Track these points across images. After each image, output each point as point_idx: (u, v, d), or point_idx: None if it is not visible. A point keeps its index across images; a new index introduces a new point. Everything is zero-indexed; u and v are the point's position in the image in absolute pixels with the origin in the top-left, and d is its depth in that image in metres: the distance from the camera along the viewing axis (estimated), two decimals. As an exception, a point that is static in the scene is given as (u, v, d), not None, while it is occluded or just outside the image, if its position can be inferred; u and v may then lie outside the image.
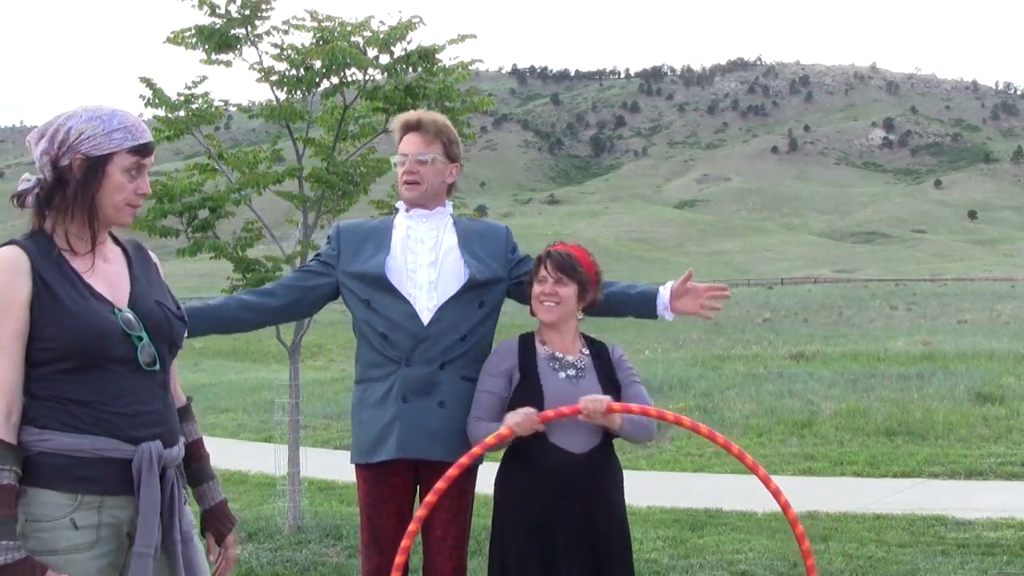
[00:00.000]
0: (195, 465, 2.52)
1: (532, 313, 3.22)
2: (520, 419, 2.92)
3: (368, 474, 3.20)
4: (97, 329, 2.19)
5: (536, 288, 3.15)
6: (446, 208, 3.36)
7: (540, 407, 3.01)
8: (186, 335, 2.91)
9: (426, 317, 3.15)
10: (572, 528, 3.02)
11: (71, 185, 2.23)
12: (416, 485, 3.25)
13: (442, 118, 3.38)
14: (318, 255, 3.37)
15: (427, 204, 3.30)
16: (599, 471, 3.09)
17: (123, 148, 2.25)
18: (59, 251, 2.24)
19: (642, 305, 3.30)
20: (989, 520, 6.73)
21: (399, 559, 2.82)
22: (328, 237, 3.40)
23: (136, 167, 2.28)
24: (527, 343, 3.18)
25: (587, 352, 3.19)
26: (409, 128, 3.30)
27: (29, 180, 2.28)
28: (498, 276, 3.30)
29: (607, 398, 2.98)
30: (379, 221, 3.40)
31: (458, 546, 3.23)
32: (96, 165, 2.23)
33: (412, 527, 2.85)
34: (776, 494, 2.95)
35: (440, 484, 2.87)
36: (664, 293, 3.27)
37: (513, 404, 3.06)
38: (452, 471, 2.89)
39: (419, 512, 2.88)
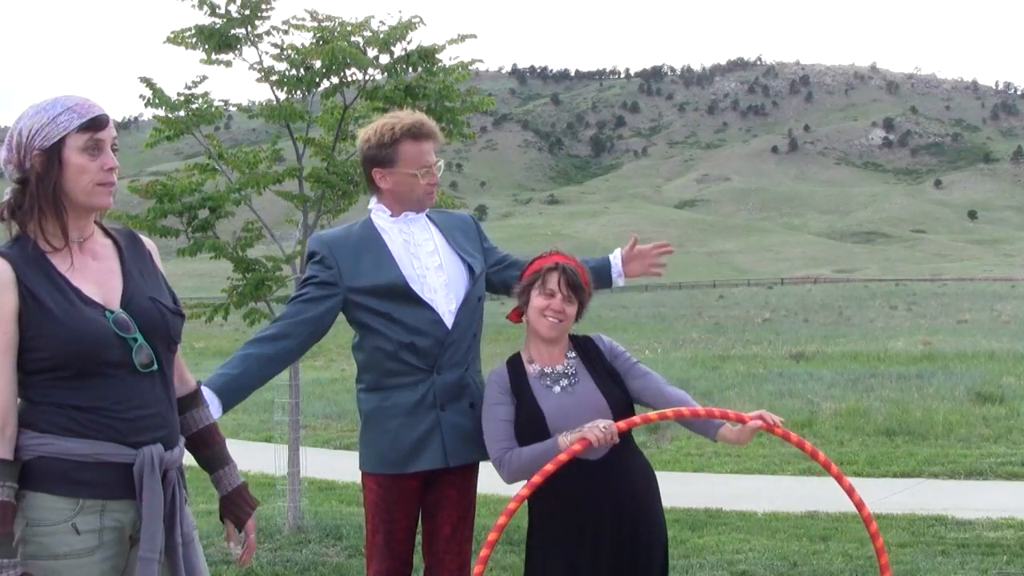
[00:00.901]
0: (210, 451, 2.48)
1: (514, 318, 3.16)
2: (601, 434, 2.82)
3: (384, 480, 3.16)
4: (89, 336, 2.15)
5: (541, 301, 3.05)
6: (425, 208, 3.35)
7: (543, 427, 2.97)
8: (221, 412, 2.86)
9: (449, 321, 3.13)
10: (596, 533, 2.96)
11: (39, 183, 2.17)
12: (423, 487, 3.23)
13: None
14: (311, 279, 3.19)
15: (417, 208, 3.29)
16: (622, 474, 3.01)
17: (71, 129, 2.17)
18: (43, 255, 2.19)
19: (598, 278, 3.41)
20: (989, 520, 6.72)
21: (485, 552, 2.73)
22: (313, 255, 3.21)
23: (93, 144, 2.19)
24: (516, 365, 3.12)
25: (574, 355, 3.13)
26: (427, 136, 3.21)
27: (8, 192, 2.25)
28: (482, 267, 3.32)
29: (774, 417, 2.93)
30: (360, 228, 3.25)
31: (466, 543, 3.24)
32: (51, 155, 2.17)
33: (485, 552, 2.73)
34: (860, 506, 2.95)
35: (524, 491, 2.80)
36: (616, 262, 3.47)
37: (516, 429, 3.02)
38: (537, 478, 2.80)
39: (491, 536, 2.76)
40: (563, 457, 2.81)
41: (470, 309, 3.20)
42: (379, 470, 3.16)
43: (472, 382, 3.19)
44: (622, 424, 2.87)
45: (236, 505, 2.49)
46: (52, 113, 2.18)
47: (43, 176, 2.17)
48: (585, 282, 3.13)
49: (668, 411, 2.90)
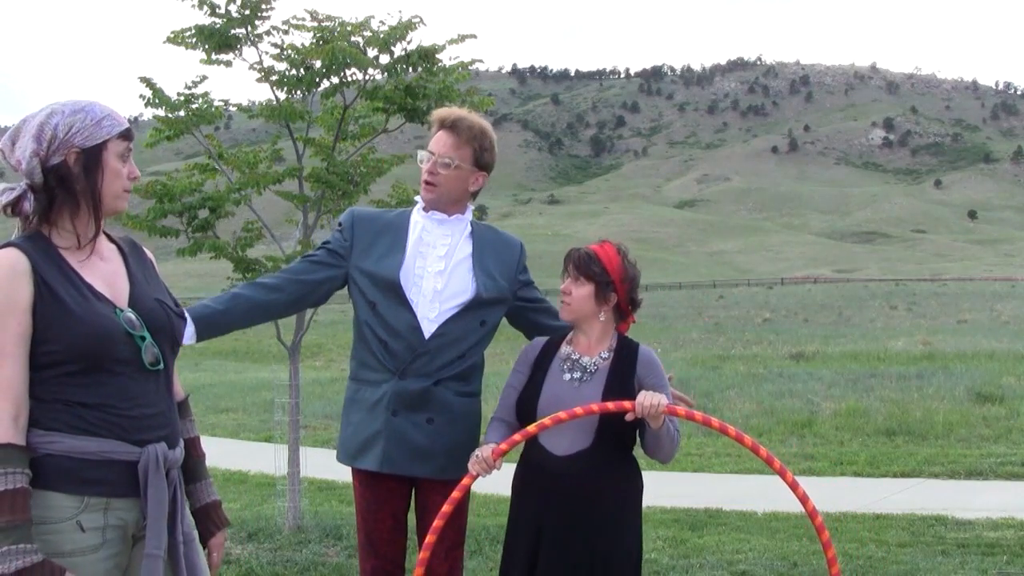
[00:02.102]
0: (188, 463, 2.48)
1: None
2: (473, 461, 2.84)
3: (364, 477, 3.16)
4: (101, 330, 2.18)
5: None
6: (465, 215, 3.21)
7: (534, 406, 2.98)
8: (194, 340, 2.86)
9: (427, 329, 3.05)
10: (556, 531, 2.95)
11: (75, 180, 2.21)
12: (411, 489, 3.21)
13: (481, 123, 3.17)
14: (327, 243, 3.19)
15: (445, 208, 3.16)
16: (583, 477, 2.93)
17: (113, 135, 2.26)
18: (58, 251, 2.22)
19: None
20: (989, 520, 6.73)
21: (418, 571, 2.77)
22: (339, 223, 3.22)
23: (127, 152, 2.30)
24: (553, 343, 3.11)
25: (606, 356, 3.04)
26: (443, 125, 3.13)
27: (15, 188, 2.23)
28: (503, 296, 3.19)
29: (661, 397, 2.80)
30: (395, 215, 3.22)
31: (454, 547, 3.18)
32: (94, 155, 2.23)
33: (423, 555, 2.77)
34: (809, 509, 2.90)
35: (438, 522, 2.79)
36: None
37: (517, 400, 3.04)
38: (446, 507, 2.81)
39: (429, 538, 2.79)
40: (457, 495, 2.81)
41: (463, 327, 3.09)
42: (340, 458, 3.21)
43: (440, 399, 3.06)
44: (504, 446, 2.83)
45: (205, 520, 2.48)
46: (95, 116, 2.24)
47: (86, 174, 2.22)
48: (607, 263, 3.02)
49: (504, 444, 2.85)
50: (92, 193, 2.23)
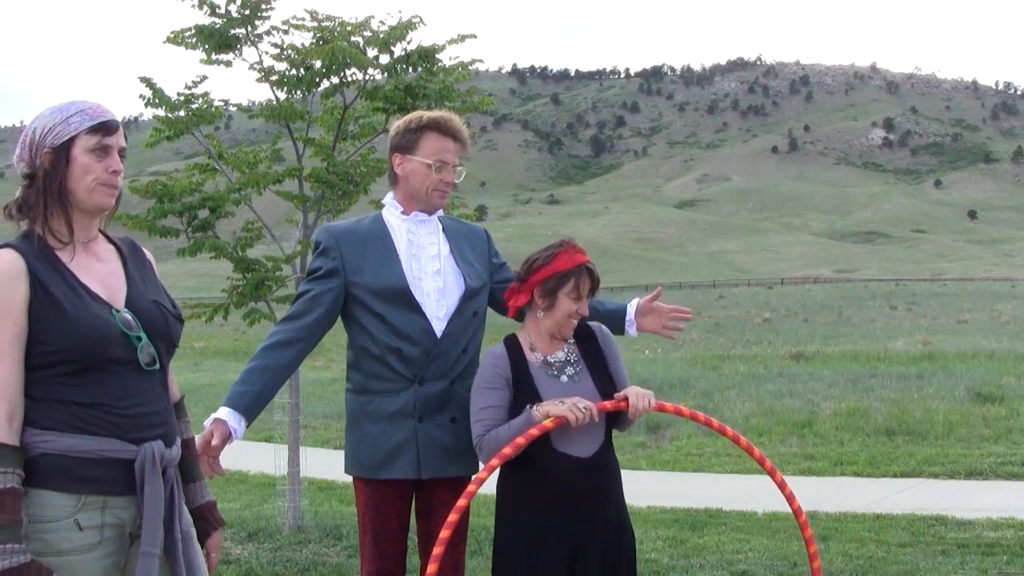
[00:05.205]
0: (183, 464, 2.49)
1: (512, 315, 3.15)
2: (581, 414, 2.80)
3: (372, 481, 3.17)
4: (96, 331, 2.18)
5: (570, 305, 2.99)
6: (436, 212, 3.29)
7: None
8: (246, 425, 2.92)
9: (438, 329, 3.09)
10: (588, 530, 2.96)
11: (42, 179, 2.22)
12: (413, 489, 3.22)
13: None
14: (314, 273, 3.15)
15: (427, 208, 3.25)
16: (605, 472, 3.01)
17: (82, 130, 2.24)
18: (53, 251, 2.23)
19: (610, 322, 3.32)
20: (989, 520, 6.73)
21: (431, 568, 2.77)
22: (318, 245, 3.17)
23: (101, 147, 2.26)
24: (515, 350, 3.05)
25: (572, 342, 3.09)
26: (451, 133, 3.18)
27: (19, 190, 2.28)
28: (484, 282, 3.25)
29: (650, 394, 2.91)
30: (369, 223, 3.23)
31: (460, 543, 3.22)
32: (60, 152, 2.23)
33: (438, 550, 2.77)
34: (791, 500, 2.93)
35: (444, 533, 2.80)
36: (631, 310, 3.36)
37: (511, 416, 2.96)
38: (480, 474, 2.83)
39: (444, 534, 2.79)
40: (534, 432, 2.80)
41: (463, 321, 3.15)
42: (356, 472, 3.18)
43: (456, 398, 3.11)
44: (608, 404, 2.87)
45: (201, 520, 2.49)
46: (66, 114, 2.25)
47: (51, 173, 2.22)
48: None
49: (608, 403, 2.91)
50: (56, 189, 2.23)
